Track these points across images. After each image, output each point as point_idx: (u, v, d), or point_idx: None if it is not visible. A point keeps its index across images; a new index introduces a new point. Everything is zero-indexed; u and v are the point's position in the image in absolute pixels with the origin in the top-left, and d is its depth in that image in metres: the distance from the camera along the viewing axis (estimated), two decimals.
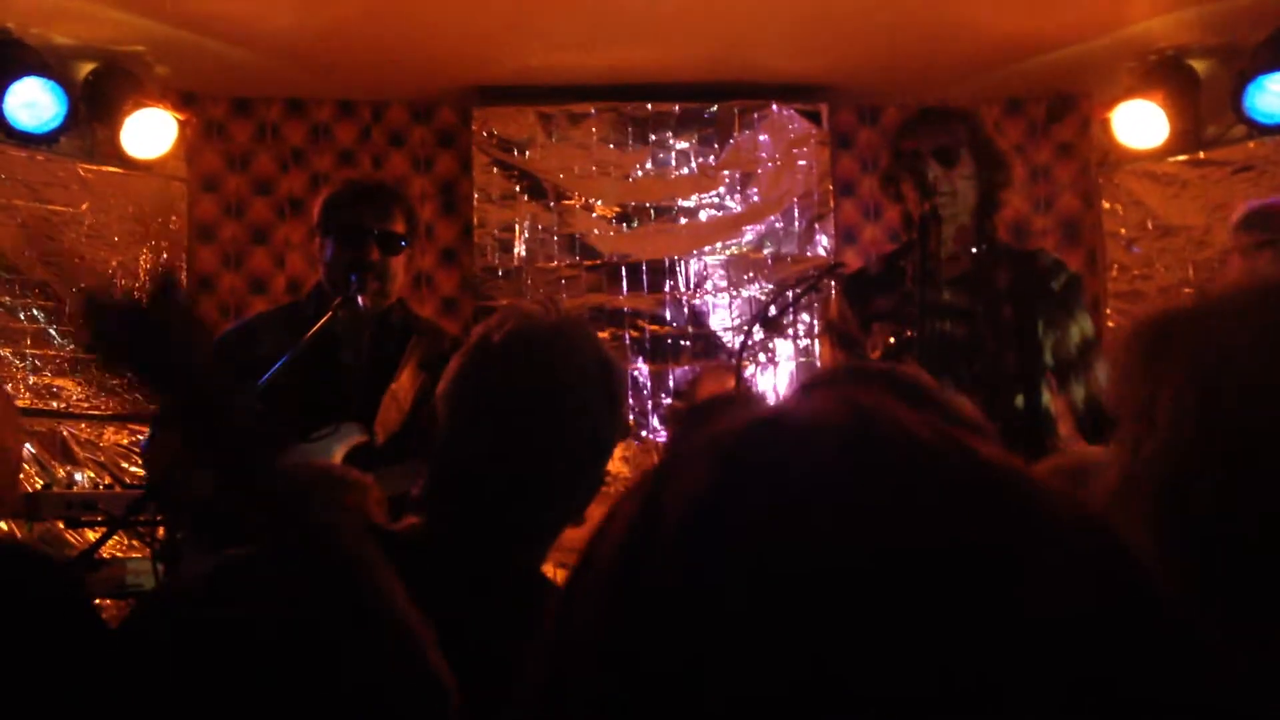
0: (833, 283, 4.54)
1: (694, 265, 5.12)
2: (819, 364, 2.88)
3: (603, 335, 5.05)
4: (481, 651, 1.21)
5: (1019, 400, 2.50)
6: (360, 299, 2.70)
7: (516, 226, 5.06)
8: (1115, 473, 0.90)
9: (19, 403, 4.31)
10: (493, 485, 1.40)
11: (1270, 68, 4.32)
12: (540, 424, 1.43)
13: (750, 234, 5.13)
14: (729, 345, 5.05)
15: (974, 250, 2.57)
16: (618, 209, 5.10)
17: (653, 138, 5.11)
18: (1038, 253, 2.78)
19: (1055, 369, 2.55)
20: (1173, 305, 0.92)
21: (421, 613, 1.26)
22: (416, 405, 2.73)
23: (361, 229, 2.73)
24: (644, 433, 5.02)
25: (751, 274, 5.12)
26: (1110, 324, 4.98)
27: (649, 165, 5.11)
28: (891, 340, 2.53)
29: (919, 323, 2.34)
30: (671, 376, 5.03)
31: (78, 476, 4.32)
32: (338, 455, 2.60)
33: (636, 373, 5.05)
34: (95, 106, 4.44)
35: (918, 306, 2.37)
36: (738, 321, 5.07)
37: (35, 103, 4.22)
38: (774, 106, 5.11)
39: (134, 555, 3.92)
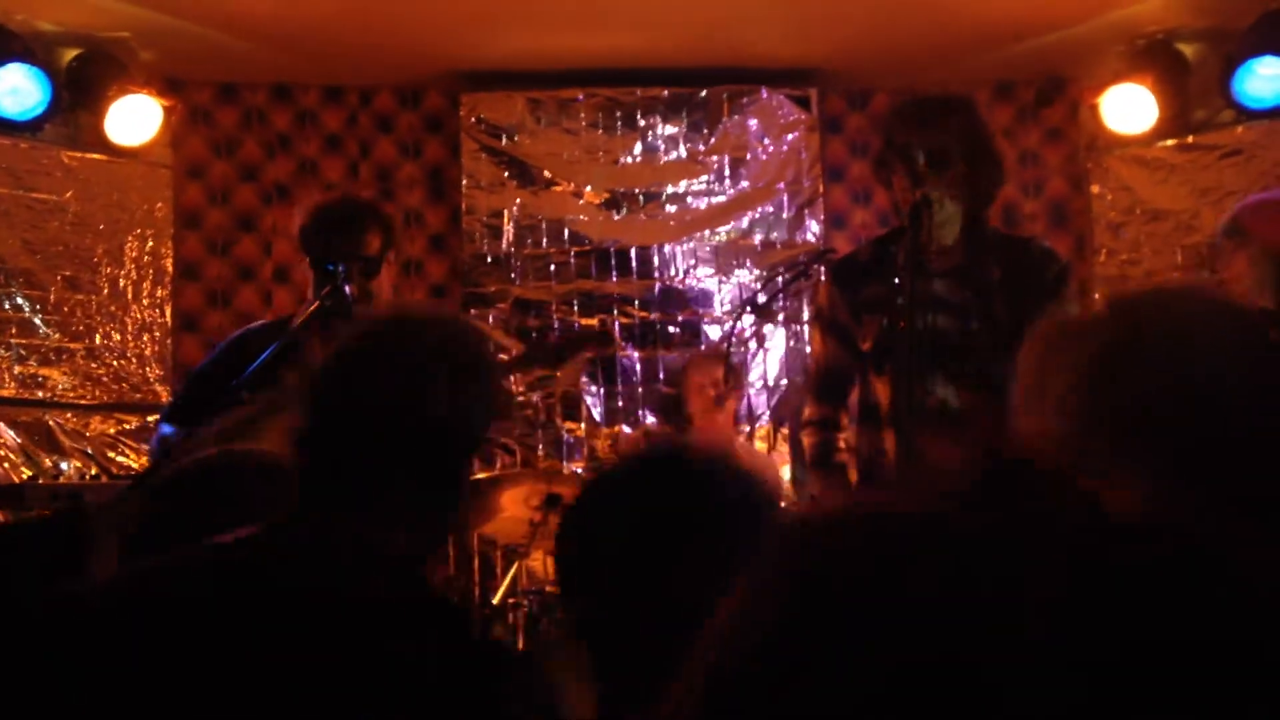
0: (822, 269, 4.54)
1: (683, 251, 5.10)
2: (809, 352, 2.85)
3: (590, 322, 5.04)
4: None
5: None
6: (347, 288, 2.71)
7: (505, 213, 5.04)
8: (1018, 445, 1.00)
9: (3, 392, 4.29)
10: (324, 471, 1.41)
11: (1259, 51, 4.32)
12: (362, 411, 1.43)
13: (739, 220, 5.12)
14: (719, 332, 5.04)
15: (966, 243, 2.55)
16: (606, 195, 5.09)
17: (641, 123, 5.09)
18: (1030, 241, 2.76)
19: None
20: (1069, 318, 1.10)
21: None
22: None
23: (334, 259, 2.74)
24: (642, 417, 5.02)
25: (741, 260, 5.11)
26: None
27: (638, 151, 5.10)
28: (885, 332, 2.51)
29: (908, 314, 2.33)
30: (660, 363, 5.02)
31: (64, 466, 4.30)
32: None
33: (626, 359, 5.04)
34: (79, 93, 4.40)
35: (907, 298, 2.35)
36: (727, 308, 5.06)
37: (18, 89, 4.18)
38: (763, 92, 5.10)
39: None
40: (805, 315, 5.09)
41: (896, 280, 2.49)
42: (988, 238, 2.59)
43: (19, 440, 4.27)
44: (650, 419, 4.96)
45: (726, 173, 5.12)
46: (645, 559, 1.23)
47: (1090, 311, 1.10)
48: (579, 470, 4.91)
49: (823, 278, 2.80)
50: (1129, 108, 4.66)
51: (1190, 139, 4.74)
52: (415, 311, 1.59)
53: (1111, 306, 1.07)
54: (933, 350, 2.41)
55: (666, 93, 5.08)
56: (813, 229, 5.12)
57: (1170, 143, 4.77)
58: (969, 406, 2.41)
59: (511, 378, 4.98)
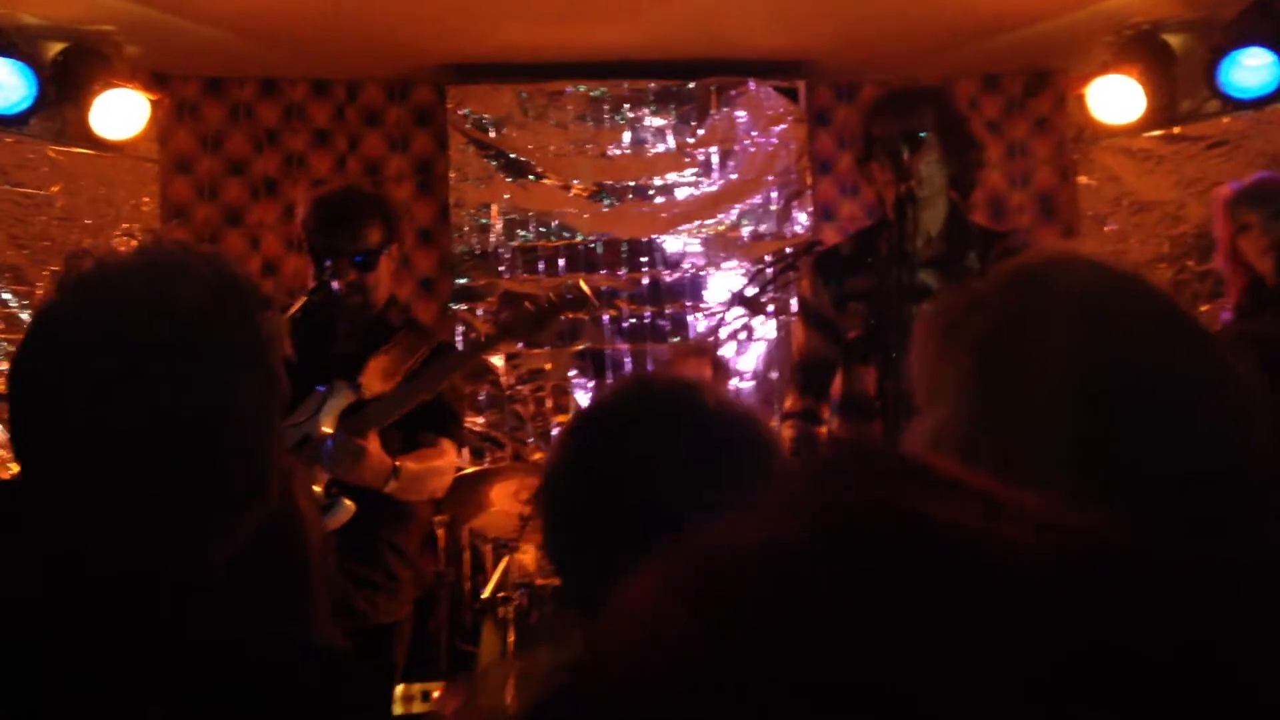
0: (808, 260, 4.54)
1: (672, 244, 5.11)
2: (795, 345, 2.86)
3: (580, 315, 5.04)
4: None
5: None
6: (334, 283, 2.71)
7: (493, 206, 5.04)
8: (918, 445, 0.99)
9: None
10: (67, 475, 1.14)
11: (1245, 42, 4.34)
12: (93, 399, 1.11)
13: (728, 212, 5.13)
14: (707, 324, 5.04)
15: (948, 234, 2.56)
16: (595, 187, 5.08)
17: (629, 115, 5.09)
18: (1010, 234, 2.78)
19: None
20: (956, 297, 1.01)
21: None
22: (404, 380, 2.76)
23: (335, 252, 2.74)
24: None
25: (729, 253, 5.12)
26: None
27: (626, 143, 5.09)
28: (870, 322, 2.53)
29: (894, 305, 2.34)
30: (649, 356, 5.03)
31: None
32: (331, 412, 2.65)
33: (615, 352, 5.04)
34: (65, 87, 4.38)
35: (893, 288, 2.36)
36: (716, 300, 5.06)
37: (3, 83, 4.17)
38: (751, 84, 5.10)
39: None
40: (793, 308, 5.10)
41: (881, 272, 2.51)
42: (970, 229, 2.61)
43: (7, 436, 4.26)
44: None
45: (715, 165, 5.12)
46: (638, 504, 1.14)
47: (978, 288, 1.00)
48: None
49: (806, 270, 2.79)
50: (1116, 99, 4.67)
51: (1177, 130, 4.75)
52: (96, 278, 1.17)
53: (999, 280, 1.00)
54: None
55: (654, 85, 5.08)
56: (801, 221, 5.13)
57: (1157, 133, 4.78)
58: None
59: (503, 369, 4.98)
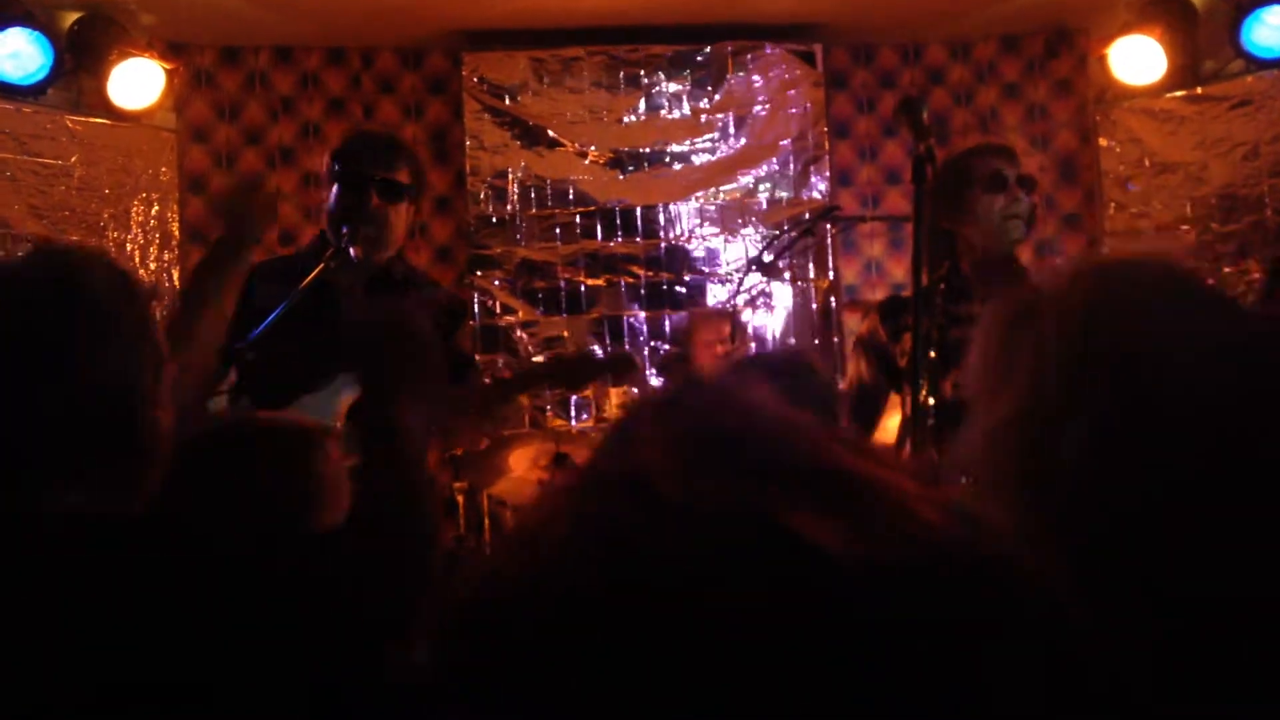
0: (828, 226, 4.54)
1: (688, 210, 5.09)
2: (849, 376, 3.04)
3: (597, 282, 5.04)
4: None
5: None
6: (352, 250, 2.69)
7: (509, 173, 5.02)
8: (975, 435, 0.95)
9: None
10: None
11: (1268, 0, 4.28)
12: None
13: (744, 178, 5.10)
14: (724, 291, 5.03)
15: (1005, 271, 2.74)
16: (610, 154, 5.06)
17: (645, 81, 5.06)
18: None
19: None
20: (1035, 286, 1.01)
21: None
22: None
23: (362, 175, 2.71)
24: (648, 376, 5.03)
25: (746, 218, 5.09)
26: None
27: (641, 109, 5.07)
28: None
29: (918, 263, 2.34)
30: (667, 323, 5.02)
31: None
32: (343, 403, 2.63)
33: (632, 319, 5.04)
34: (81, 57, 4.39)
35: (929, 301, 2.44)
36: (733, 267, 5.05)
37: (20, 53, 4.17)
38: (767, 48, 5.06)
39: None
40: (811, 273, 5.08)
41: (941, 286, 2.70)
42: (1026, 273, 2.82)
43: None
44: (657, 379, 4.97)
45: (731, 130, 5.09)
46: None
47: (1053, 282, 0.99)
48: (587, 430, 4.92)
49: (869, 314, 3.04)
50: (1138, 59, 4.62)
51: (1199, 90, 4.70)
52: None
53: (1078, 275, 0.98)
54: (961, 351, 2.57)
55: (670, 50, 5.04)
56: (818, 186, 5.10)
57: (1179, 94, 4.73)
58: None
59: (521, 337, 4.98)
